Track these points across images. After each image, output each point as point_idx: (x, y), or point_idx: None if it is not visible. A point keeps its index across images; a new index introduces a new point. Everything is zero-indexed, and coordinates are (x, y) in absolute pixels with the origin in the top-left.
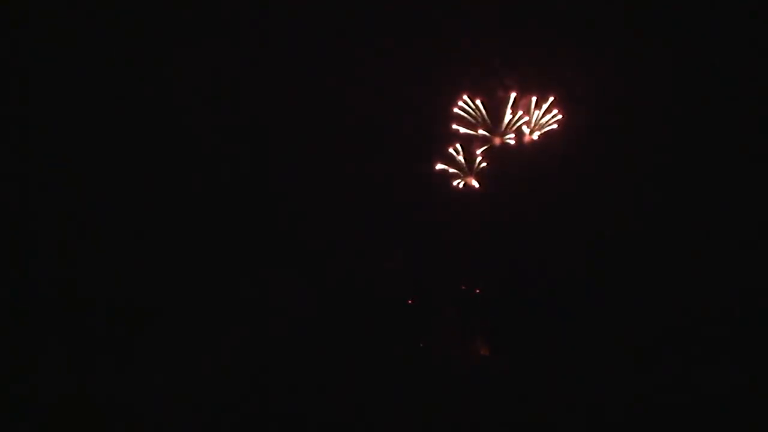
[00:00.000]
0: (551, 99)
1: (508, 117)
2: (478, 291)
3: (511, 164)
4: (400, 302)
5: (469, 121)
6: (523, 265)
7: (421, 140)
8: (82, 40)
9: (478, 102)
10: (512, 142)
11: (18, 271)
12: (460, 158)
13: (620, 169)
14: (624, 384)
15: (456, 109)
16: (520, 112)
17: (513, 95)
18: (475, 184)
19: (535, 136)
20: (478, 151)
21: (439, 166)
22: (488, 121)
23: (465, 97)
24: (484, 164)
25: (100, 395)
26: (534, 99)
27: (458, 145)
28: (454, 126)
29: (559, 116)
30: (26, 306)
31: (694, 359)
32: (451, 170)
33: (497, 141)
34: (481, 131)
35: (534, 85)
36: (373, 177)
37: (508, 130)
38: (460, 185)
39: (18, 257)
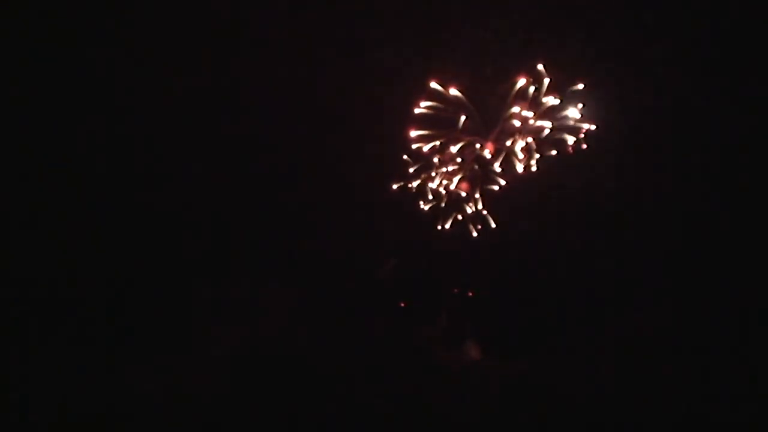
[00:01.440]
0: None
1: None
2: (470, 294)
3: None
4: (393, 305)
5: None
6: (517, 267)
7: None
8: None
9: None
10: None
11: (10, 272)
12: (446, 168)
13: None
14: (621, 387)
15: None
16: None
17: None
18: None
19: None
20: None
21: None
22: (477, 119)
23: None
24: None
25: (91, 397)
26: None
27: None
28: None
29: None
30: (18, 307)
31: (691, 362)
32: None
33: (489, 147)
34: (467, 139)
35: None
36: (366, 179)
37: (504, 133)
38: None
39: (11, 257)
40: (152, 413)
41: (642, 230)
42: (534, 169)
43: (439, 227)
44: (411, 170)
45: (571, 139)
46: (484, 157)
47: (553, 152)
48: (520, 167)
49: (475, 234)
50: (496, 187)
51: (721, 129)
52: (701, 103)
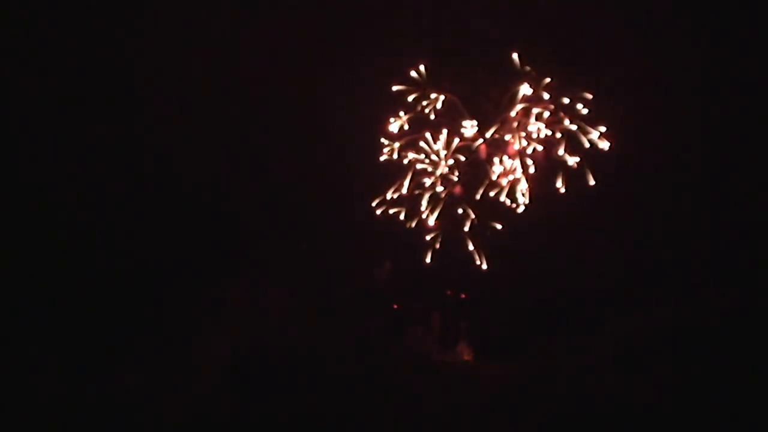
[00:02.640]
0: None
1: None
2: (463, 296)
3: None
4: (386, 306)
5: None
6: (512, 269)
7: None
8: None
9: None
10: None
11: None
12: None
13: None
14: (615, 390)
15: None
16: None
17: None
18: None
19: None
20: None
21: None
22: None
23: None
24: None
25: (91, 397)
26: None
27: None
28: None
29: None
30: (19, 308)
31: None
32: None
33: (482, 149)
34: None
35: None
36: (364, 183)
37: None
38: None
39: (11, 257)
40: (152, 413)
41: (641, 230)
42: (530, 172)
43: (434, 230)
44: (407, 174)
45: (569, 142)
46: (479, 160)
47: (551, 156)
48: (516, 170)
49: (469, 239)
50: (491, 191)
51: (720, 133)
52: (702, 105)
